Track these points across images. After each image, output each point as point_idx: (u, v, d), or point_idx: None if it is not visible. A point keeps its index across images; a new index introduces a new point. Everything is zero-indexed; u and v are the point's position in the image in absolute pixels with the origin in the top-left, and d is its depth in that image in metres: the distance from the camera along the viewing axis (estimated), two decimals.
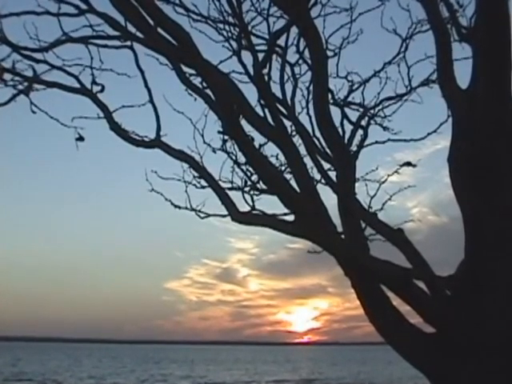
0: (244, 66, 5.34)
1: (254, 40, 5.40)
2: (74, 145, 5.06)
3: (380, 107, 6.15)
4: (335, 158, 5.01)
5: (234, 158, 5.69)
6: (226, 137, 5.58)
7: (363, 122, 5.90)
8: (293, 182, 4.70)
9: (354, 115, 5.96)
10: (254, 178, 5.66)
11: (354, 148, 5.56)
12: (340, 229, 4.77)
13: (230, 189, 5.59)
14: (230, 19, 5.45)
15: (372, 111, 6.10)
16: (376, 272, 4.45)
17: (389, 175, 6.08)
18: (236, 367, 59.10)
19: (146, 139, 4.96)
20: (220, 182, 5.14)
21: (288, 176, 4.95)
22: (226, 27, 5.52)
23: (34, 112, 4.96)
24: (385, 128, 6.24)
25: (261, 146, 5.39)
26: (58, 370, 49.68)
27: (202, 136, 5.50)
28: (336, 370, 54.46)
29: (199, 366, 60.56)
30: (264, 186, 5.47)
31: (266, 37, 5.48)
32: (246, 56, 5.29)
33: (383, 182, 6.02)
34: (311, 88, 5.13)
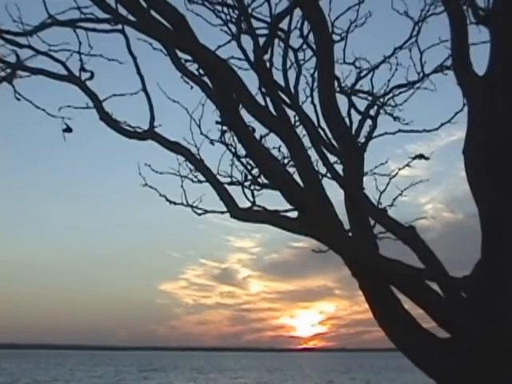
0: (244, 51, 5.35)
1: (255, 23, 5.42)
2: (61, 136, 5.11)
3: (390, 95, 6.18)
4: (342, 150, 5.03)
5: (233, 150, 5.73)
6: (224, 127, 5.62)
7: (372, 112, 5.92)
8: (296, 176, 4.72)
9: (362, 104, 6.00)
10: (255, 171, 5.70)
11: (362, 139, 5.59)
12: (347, 226, 4.79)
13: (229, 183, 5.63)
14: (229, 1, 5.47)
15: (381, 100, 6.13)
16: (386, 272, 4.48)
17: (400, 169, 6.11)
18: (238, 375, 59.20)
19: (138, 130, 4.98)
20: (218, 176, 5.18)
21: (291, 169, 4.98)
22: (225, 9, 5.55)
23: (18, 99, 4.99)
24: (395, 118, 6.27)
25: (262, 137, 5.42)
26: (46, 379, 49.81)
27: (199, 127, 5.54)
28: (347, 379, 54.50)
29: (200, 374, 60.64)
30: (265, 181, 5.50)
31: (268, 20, 5.51)
32: (246, 40, 5.31)
33: (394, 176, 6.05)
34: (316, 75, 5.15)
